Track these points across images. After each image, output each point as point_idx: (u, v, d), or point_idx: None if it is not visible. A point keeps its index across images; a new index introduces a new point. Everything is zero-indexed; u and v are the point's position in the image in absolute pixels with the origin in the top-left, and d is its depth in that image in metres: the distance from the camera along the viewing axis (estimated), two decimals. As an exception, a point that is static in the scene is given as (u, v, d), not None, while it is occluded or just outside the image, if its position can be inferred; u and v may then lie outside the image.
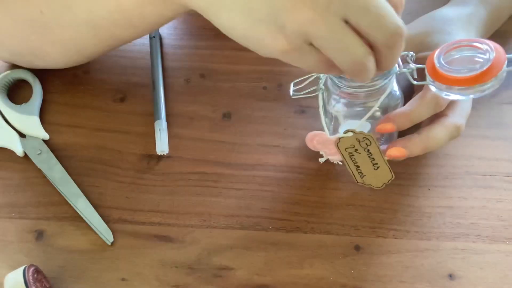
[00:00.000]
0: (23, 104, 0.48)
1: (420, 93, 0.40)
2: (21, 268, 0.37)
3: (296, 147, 0.46)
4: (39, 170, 0.45)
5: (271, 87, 0.50)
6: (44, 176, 0.44)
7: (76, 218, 0.42)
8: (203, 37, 0.54)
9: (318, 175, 0.44)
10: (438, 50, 0.37)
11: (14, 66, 0.50)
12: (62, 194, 0.43)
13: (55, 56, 0.46)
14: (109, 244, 0.41)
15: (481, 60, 0.35)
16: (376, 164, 0.40)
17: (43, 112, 0.48)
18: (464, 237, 0.41)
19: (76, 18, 0.41)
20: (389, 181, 0.41)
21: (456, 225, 0.42)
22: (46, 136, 0.46)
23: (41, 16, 0.41)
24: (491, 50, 0.35)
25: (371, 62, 0.33)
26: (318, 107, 0.40)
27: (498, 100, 0.49)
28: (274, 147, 0.46)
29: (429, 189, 0.44)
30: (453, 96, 0.36)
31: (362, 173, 0.41)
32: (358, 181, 0.42)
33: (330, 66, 0.33)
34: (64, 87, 0.50)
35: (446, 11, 0.47)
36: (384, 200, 0.43)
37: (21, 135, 0.46)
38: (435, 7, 0.48)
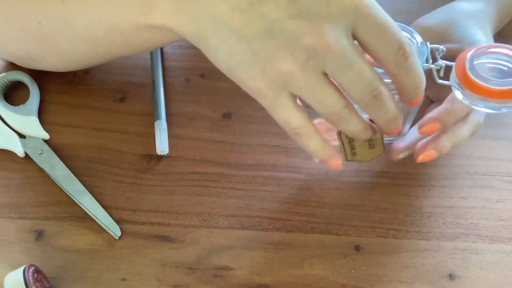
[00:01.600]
0: (20, 105, 0.48)
1: None
2: (21, 268, 0.37)
3: (296, 147, 0.46)
4: (39, 170, 0.45)
5: (271, 87, 0.50)
6: (44, 176, 0.44)
7: (76, 218, 0.43)
8: (203, 37, 0.54)
9: (318, 175, 0.44)
10: (471, 52, 0.35)
11: (10, 68, 0.50)
12: (67, 192, 0.43)
13: (53, 62, 0.46)
14: (117, 238, 0.41)
15: None
16: (373, 145, 0.39)
17: (43, 112, 0.48)
18: (464, 237, 0.42)
19: (73, 33, 0.41)
20: (378, 156, 0.40)
21: (456, 225, 0.42)
22: (46, 135, 0.46)
23: (39, 27, 0.41)
24: None
25: (350, 116, 0.34)
26: None
27: (498, 100, 0.49)
28: (274, 147, 0.46)
29: (429, 189, 0.44)
30: (479, 107, 0.34)
31: (356, 154, 0.40)
32: (348, 159, 0.40)
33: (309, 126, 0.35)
34: (64, 87, 0.50)
35: (463, 5, 0.46)
36: (384, 200, 0.43)
37: (21, 136, 0.46)
38: (435, 6, 0.48)
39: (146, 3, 0.36)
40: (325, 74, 0.33)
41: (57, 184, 0.44)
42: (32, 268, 0.38)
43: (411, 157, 0.41)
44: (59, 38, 0.42)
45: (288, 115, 0.35)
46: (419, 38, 0.38)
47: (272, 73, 0.33)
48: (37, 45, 0.43)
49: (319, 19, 0.32)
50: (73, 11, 0.40)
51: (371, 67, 0.33)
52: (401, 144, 0.41)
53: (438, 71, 0.37)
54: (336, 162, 0.37)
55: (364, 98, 0.33)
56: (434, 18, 0.46)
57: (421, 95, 0.36)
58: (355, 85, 0.33)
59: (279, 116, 0.35)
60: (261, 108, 0.49)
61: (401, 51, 0.33)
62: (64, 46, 0.42)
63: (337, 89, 0.34)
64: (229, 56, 0.33)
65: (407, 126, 0.42)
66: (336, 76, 0.33)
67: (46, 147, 0.46)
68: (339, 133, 0.39)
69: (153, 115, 0.47)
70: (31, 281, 0.37)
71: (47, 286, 0.39)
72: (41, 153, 0.45)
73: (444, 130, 0.39)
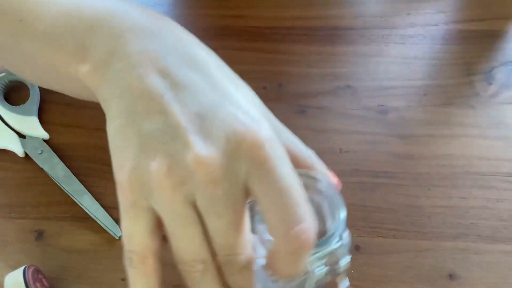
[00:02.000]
0: (20, 105, 0.48)
1: None
2: (21, 268, 0.37)
3: (296, 147, 0.46)
4: (39, 170, 0.45)
5: (271, 87, 0.50)
6: (44, 176, 0.44)
7: (76, 218, 0.43)
8: (203, 37, 0.54)
9: (318, 175, 0.44)
10: None
11: (12, 67, 0.50)
12: (67, 192, 0.43)
13: (19, 75, 0.46)
14: (117, 238, 0.41)
15: None
16: None
17: (43, 112, 0.48)
18: (464, 237, 0.41)
19: (22, 54, 0.37)
20: None
21: (456, 225, 0.42)
22: (46, 135, 0.46)
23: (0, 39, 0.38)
24: None
25: (203, 279, 0.28)
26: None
27: (498, 100, 0.49)
28: (274, 147, 0.46)
29: (429, 189, 0.44)
30: None
31: None
32: None
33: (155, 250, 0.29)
34: (64, 87, 0.50)
35: None
36: (384, 200, 0.43)
37: (21, 136, 0.46)
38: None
39: (79, 52, 0.30)
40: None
41: (57, 184, 0.44)
42: (32, 268, 0.38)
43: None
44: (14, 54, 0.39)
45: (132, 231, 0.28)
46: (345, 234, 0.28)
47: (143, 175, 0.26)
48: (1, 54, 0.42)
49: (215, 145, 0.25)
50: (24, 34, 0.35)
51: (243, 230, 0.26)
52: None
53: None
54: None
55: (219, 255, 0.27)
56: None
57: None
58: (213, 237, 0.26)
59: (124, 225, 0.28)
60: (261, 108, 0.49)
61: (295, 236, 0.24)
62: (16, 63, 0.41)
63: (205, 237, 0.27)
64: (114, 134, 0.28)
65: None
66: (204, 220, 0.26)
67: (46, 147, 0.46)
68: None
69: (153, 115, 0.47)
70: (31, 281, 0.37)
71: (47, 286, 0.39)
72: (41, 153, 0.45)
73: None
